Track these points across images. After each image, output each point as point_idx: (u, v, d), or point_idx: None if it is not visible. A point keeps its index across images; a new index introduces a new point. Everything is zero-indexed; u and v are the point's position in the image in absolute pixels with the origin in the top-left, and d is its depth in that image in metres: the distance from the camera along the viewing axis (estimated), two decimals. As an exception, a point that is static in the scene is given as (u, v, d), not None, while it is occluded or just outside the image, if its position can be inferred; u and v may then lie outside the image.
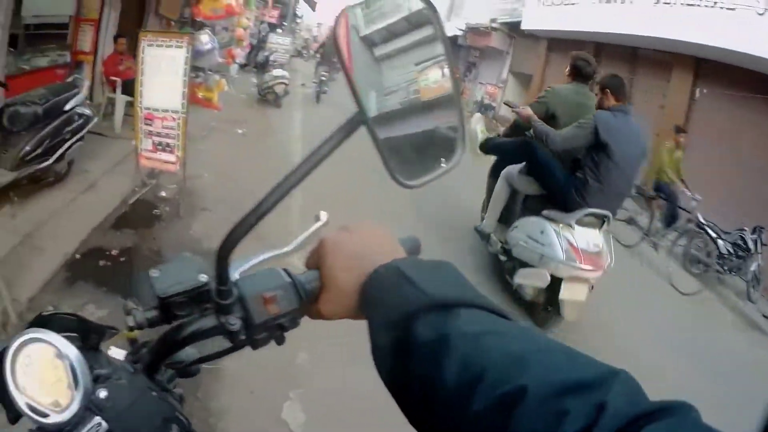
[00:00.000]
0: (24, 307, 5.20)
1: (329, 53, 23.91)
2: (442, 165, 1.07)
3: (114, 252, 6.70)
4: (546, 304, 6.84)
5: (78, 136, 8.01)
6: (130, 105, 10.34)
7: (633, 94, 17.12)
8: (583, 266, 6.37)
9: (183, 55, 7.77)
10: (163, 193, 8.72)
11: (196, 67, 15.04)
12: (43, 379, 1.14)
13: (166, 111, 7.96)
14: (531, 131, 7.18)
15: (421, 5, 1.03)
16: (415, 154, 1.08)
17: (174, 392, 1.28)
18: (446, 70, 1.05)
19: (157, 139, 8.07)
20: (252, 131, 14.79)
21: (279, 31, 31.68)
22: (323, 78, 22.02)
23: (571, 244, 6.43)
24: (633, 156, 6.72)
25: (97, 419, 1.07)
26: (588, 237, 6.56)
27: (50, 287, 5.64)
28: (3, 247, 5.55)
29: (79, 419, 1.08)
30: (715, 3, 12.94)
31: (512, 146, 7.97)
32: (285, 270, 1.13)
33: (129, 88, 10.17)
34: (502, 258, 7.72)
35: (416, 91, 1.06)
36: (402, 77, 1.06)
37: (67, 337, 1.15)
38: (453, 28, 34.96)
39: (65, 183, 8.16)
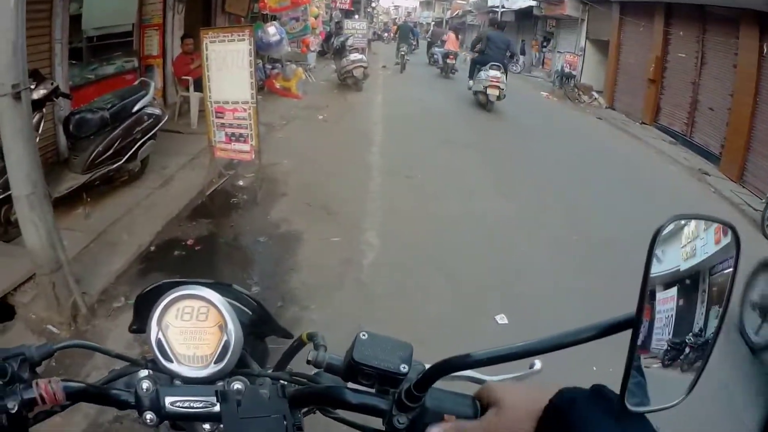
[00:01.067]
0: (95, 300, 5.31)
1: (405, 33, 30.54)
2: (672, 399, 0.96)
3: (189, 242, 6.78)
4: (485, 98, 17.67)
5: (149, 135, 8.13)
6: (204, 101, 10.48)
7: (705, 54, 16.84)
8: (492, 81, 17.22)
9: (246, 47, 7.84)
10: (241, 182, 8.81)
11: (272, 59, 15.20)
12: (189, 334, 1.28)
13: (236, 102, 8.07)
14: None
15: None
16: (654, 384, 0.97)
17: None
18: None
19: (229, 130, 8.20)
20: (332, 116, 14.85)
21: (355, 17, 31.65)
22: (403, 53, 27.51)
23: (488, 76, 17.40)
24: (501, 43, 19.01)
25: (214, 401, 1.18)
26: (493, 72, 17.37)
27: (123, 279, 5.74)
28: (75, 246, 5.65)
29: (199, 390, 1.20)
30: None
31: (475, 59, 19.60)
32: (474, 402, 1.12)
33: (201, 85, 10.32)
34: (472, 90, 19.12)
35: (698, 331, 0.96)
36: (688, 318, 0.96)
37: (238, 312, 1.34)
38: None
39: (141, 180, 8.35)
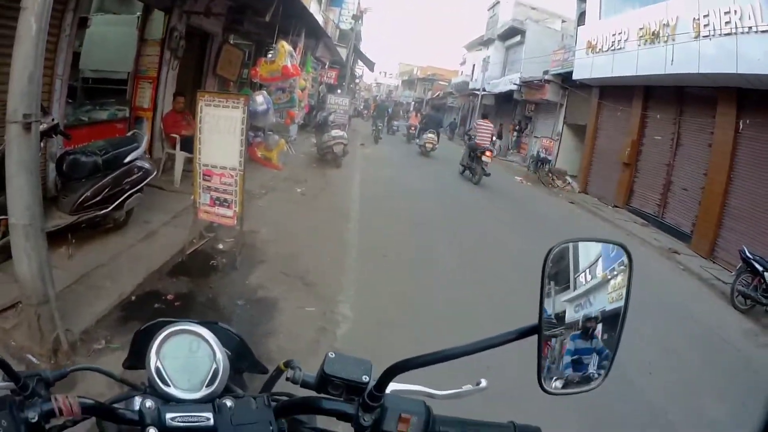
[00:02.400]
0: (77, 338, 5.43)
1: (381, 112, 37.40)
2: (590, 385, 1.36)
3: (169, 296, 6.91)
4: (424, 148, 28.74)
5: (137, 187, 8.32)
6: (188, 161, 10.75)
7: (681, 135, 17.73)
8: (427, 140, 28.78)
9: (240, 115, 8.09)
10: (221, 246, 8.96)
11: (255, 127, 15.47)
12: (183, 362, 1.54)
13: (224, 168, 8.27)
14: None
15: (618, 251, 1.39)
16: (570, 370, 1.36)
17: None
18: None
19: (215, 194, 8.37)
20: (311, 190, 15.15)
21: (338, 92, 32.30)
22: (378, 127, 33.63)
23: (426, 137, 29.08)
24: (436, 118, 33.23)
25: (209, 416, 1.39)
26: (430, 135, 28.94)
27: (105, 323, 5.87)
28: (59, 284, 5.71)
29: (194, 408, 1.42)
30: (750, 28, 13.21)
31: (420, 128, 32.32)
32: (428, 407, 1.41)
33: (188, 144, 10.65)
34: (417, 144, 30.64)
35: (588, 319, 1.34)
36: (595, 299, 1.34)
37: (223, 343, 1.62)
38: (507, 83, 36.46)
39: (124, 230, 8.50)
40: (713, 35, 14.47)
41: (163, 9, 12.09)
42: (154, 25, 12.13)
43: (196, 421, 1.38)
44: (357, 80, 56.94)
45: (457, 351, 1.31)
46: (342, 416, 1.42)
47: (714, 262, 13.93)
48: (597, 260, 1.35)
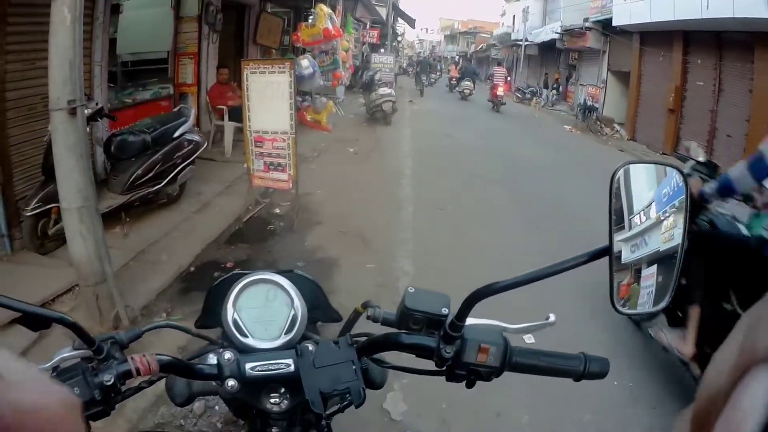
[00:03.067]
0: (137, 313, 5.45)
1: (425, 65, 40.88)
2: (656, 307, 1.33)
3: (229, 264, 6.91)
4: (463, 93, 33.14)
5: (189, 160, 8.33)
6: (238, 131, 10.72)
7: (722, 81, 17.13)
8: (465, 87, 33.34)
9: (287, 79, 8.01)
10: (277, 210, 8.96)
11: (302, 91, 15.43)
12: (260, 312, 1.54)
13: (276, 132, 8.23)
14: None
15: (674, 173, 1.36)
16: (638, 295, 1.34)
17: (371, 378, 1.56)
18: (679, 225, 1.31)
19: (268, 159, 8.35)
20: (363, 149, 15.06)
21: (381, 51, 32.02)
22: (423, 80, 36.49)
23: (463, 84, 33.79)
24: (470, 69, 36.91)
25: (290, 362, 1.39)
26: (467, 83, 33.57)
27: (164, 296, 5.89)
28: (115, 263, 5.73)
29: (274, 356, 1.41)
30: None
31: (457, 78, 37.45)
32: (505, 338, 1.38)
33: (235, 115, 10.62)
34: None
35: (657, 239, 1.31)
36: (650, 229, 1.31)
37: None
38: (549, 32, 35.81)
39: (178, 204, 8.55)
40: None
41: (197, -15, 12.01)
42: (189, 1, 12.08)
43: (276, 369, 1.38)
44: (399, 38, 56.37)
45: (531, 276, 1.26)
46: (423, 351, 1.38)
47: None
48: (651, 201, 1.33)
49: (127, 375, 1.24)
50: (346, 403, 1.37)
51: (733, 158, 15.11)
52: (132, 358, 1.26)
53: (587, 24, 28.03)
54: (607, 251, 1.25)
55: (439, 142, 17.65)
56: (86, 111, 6.47)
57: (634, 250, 1.28)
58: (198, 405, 4.18)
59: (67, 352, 1.28)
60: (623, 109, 24.91)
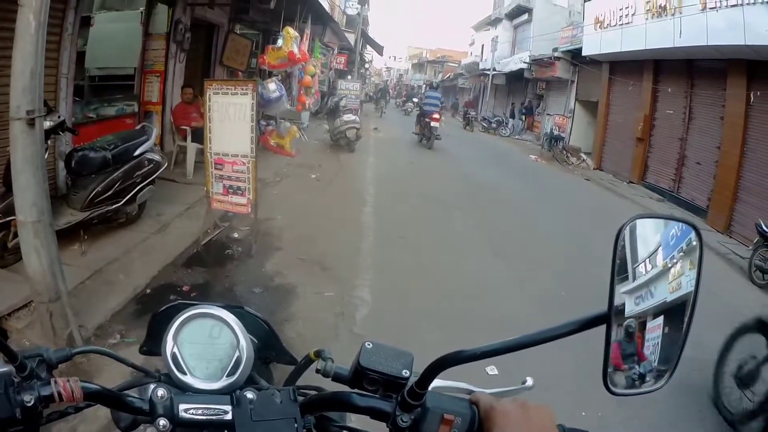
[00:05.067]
0: (91, 333, 5.35)
1: (384, 92, 46.66)
2: (657, 384, 1.17)
3: (185, 287, 6.80)
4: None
5: (149, 180, 8.21)
6: (200, 152, 10.57)
7: (693, 108, 17.41)
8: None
9: (249, 101, 7.96)
10: (236, 235, 8.87)
11: (267, 116, 15.37)
12: (202, 349, 1.41)
13: (236, 156, 8.16)
14: None
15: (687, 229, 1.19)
16: (635, 366, 1.17)
17: None
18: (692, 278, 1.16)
19: (227, 182, 8.27)
20: (325, 175, 15.01)
21: (348, 77, 32.16)
22: (381, 104, 42.06)
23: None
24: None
25: (227, 409, 1.26)
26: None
27: (119, 317, 5.77)
28: (72, 280, 5.65)
29: (211, 400, 1.28)
30: (756, 0, 12.85)
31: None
32: (473, 407, 1.21)
33: (199, 136, 10.49)
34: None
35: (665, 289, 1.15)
36: (656, 278, 1.15)
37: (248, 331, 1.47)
38: (517, 61, 35.99)
39: (137, 224, 8.40)
40: (719, 7, 14.17)
41: (167, 2, 12.03)
42: (159, 19, 12.04)
43: (212, 414, 1.25)
44: (367, 65, 57.13)
45: (512, 343, 1.12)
46: (377, 414, 1.25)
47: (731, 237, 13.72)
48: (657, 247, 1.18)
49: (50, 399, 1.15)
50: None
51: (703, 185, 15.72)
52: (55, 382, 1.16)
53: (556, 54, 28.57)
54: (604, 318, 1.10)
55: (402, 169, 17.86)
56: (48, 123, 6.43)
57: (639, 302, 1.14)
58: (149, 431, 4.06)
59: None
60: (590, 138, 25.40)
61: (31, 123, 4.66)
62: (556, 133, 27.16)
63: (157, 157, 8.49)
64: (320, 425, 1.43)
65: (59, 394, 1.14)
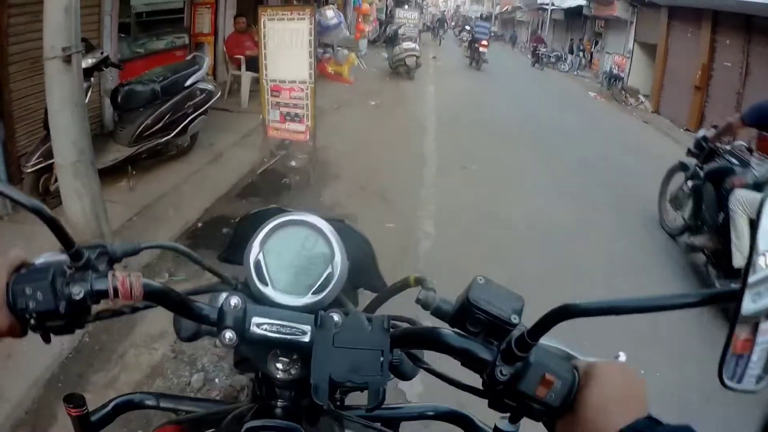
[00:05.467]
0: (137, 273, 5.04)
1: (442, 21, 45.50)
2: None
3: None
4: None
5: (201, 110, 7.88)
6: (255, 81, 10.24)
7: (750, 64, 16.59)
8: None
9: (307, 26, 7.60)
10: (293, 163, 8.47)
11: (324, 44, 14.93)
12: (291, 260, 1.25)
13: (293, 82, 7.83)
14: None
15: None
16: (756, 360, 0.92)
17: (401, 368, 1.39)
18: None
19: (285, 110, 7.95)
20: (384, 103, 14.50)
21: (406, 6, 31.47)
22: (439, 33, 41.74)
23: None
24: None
25: (307, 330, 1.10)
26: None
27: (166, 255, 5.42)
28: (118, 219, 5.44)
29: (290, 317, 1.11)
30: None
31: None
32: (575, 374, 1.02)
33: (253, 65, 10.14)
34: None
35: None
36: None
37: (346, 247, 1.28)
38: None
39: (189, 156, 8.14)
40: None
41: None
42: (207, -52, 11.58)
43: (288, 333, 1.10)
44: None
45: (636, 303, 0.91)
46: (474, 361, 1.05)
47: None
48: None
49: (103, 294, 1.01)
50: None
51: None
52: (113, 275, 1.02)
53: None
54: (734, 295, 0.86)
55: (463, 100, 17.06)
56: (90, 61, 6.12)
57: (757, 299, 0.87)
58: (196, 378, 3.90)
59: (53, 254, 1.06)
60: (649, 81, 24.19)
61: (67, 60, 4.34)
62: (615, 72, 26.28)
63: (209, 86, 8.16)
64: (408, 361, 1.35)
65: (115, 289, 1.01)
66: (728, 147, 7.21)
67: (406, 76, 18.95)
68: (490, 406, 1.07)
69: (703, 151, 7.27)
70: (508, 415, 1.09)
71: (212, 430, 1.26)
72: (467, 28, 35.13)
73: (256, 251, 1.22)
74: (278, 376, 1.20)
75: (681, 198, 7.39)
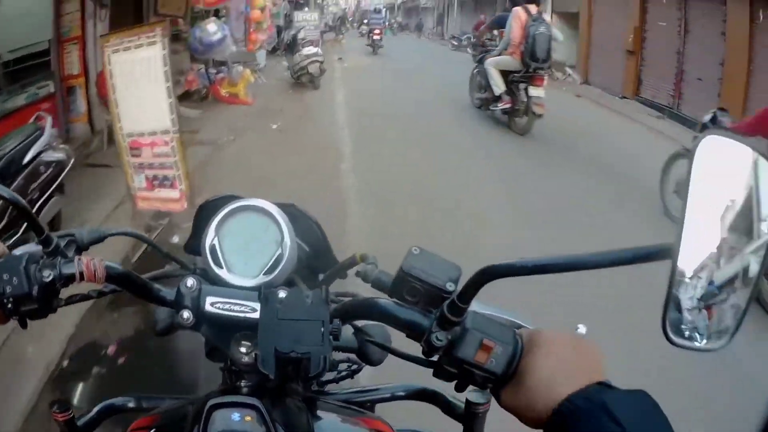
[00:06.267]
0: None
1: (342, 19, 41.45)
2: (717, 342, 0.96)
3: (111, 349, 4.80)
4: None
5: (52, 189, 6.03)
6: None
7: (689, 22, 16.08)
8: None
9: (159, 53, 5.96)
10: (176, 239, 6.26)
11: (217, 62, 13.48)
12: (244, 244, 1.29)
13: (154, 134, 6.22)
14: None
15: None
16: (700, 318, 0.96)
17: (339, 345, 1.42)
18: None
19: (150, 172, 6.42)
20: (289, 123, 12.91)
21: (306, 9, 30.54)
22: (341, 30, 37.63)
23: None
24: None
25: (256, 307, 1.15)
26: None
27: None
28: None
29: (241, 295, 1.17)
30: None
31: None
32: (517, 339, 1.05)
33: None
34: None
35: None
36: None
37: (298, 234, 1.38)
38: None
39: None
40: None
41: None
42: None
43: (238, 312, 1.15)
44: None
45: (566, 260, 0.92)
46: (413, 329, 1.08)
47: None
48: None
49: (71, 278, 1.08)
50: (343, 373, 1.40)
51: (706, 102, 14.06)
52: (79, 260, 1.09)
53: None
54: (667, 252, 0.85)
55: (379, 105, 15.37)
56: None
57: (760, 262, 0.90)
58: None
59: (30, 246, 1.14)
60: (573, 52, 23.51)
61: None
62: None
63: (58, 155, 6.22)
64: (358, 339, 1.46)
65: (81, 273, 1.08)
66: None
67: (310, 86, 17.42)
68: (435, 375, 1.09)
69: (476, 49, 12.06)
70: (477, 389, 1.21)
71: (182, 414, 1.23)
72: (365, 21, 39.33)
73: (212, 236, 1.27)
74: (243, 360, 1.16)
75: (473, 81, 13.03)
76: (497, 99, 11.94)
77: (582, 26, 22.37)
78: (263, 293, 1.13)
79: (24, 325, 1.09)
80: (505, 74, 11.85)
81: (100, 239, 1.28)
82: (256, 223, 1.29)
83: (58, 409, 1.31)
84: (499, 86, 11.72)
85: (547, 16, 24.52)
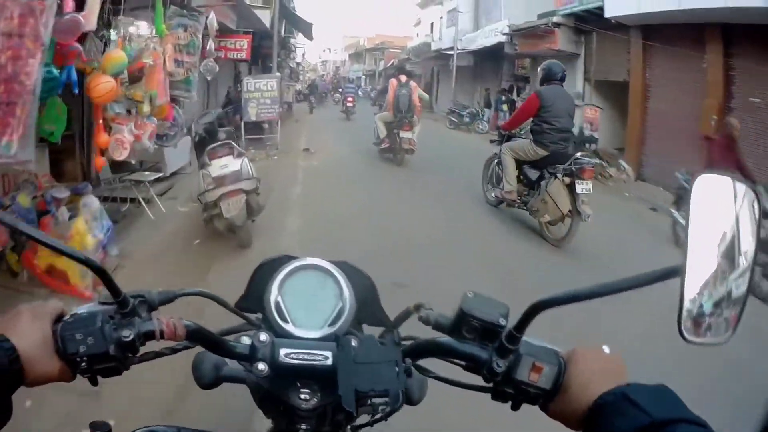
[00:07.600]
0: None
1: (312, 87, 42.84)
2: (723, 336, 1.07)
3: None
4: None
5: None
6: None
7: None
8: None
9: None
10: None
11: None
12: (305, 300, 1.37)
13: None
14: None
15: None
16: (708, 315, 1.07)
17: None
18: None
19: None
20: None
21: (260, 75, 19.55)
22: (312, 101, 36.81)
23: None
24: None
25: (328, 355, 1.24)
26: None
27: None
28: None
29: (312, 345, 1.26)
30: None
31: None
32: (561, 360, 1.18)
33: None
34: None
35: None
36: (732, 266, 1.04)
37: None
38: (490, 34, 28.61)
39: None
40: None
41: None
42: None
43: (312, 360, 1.25)
44: (298, 59, 52.01)
45: (595, 290, 1.06)
46: (473, 362, 1.20)
47: None
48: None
49: (150, 336, 1.15)
50: (379, 414, 1.26)
51: None
52: (158, 319, 1.17)
53: (555, 19, 20.73)
54: (676, 272, 0.99)
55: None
56: None
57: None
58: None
59: (93, 305, 1.16)
60: (616, 135, 18.86)
61: None
62: (587, 133, 17.83)
63: None
64: (418, 372, 1.47)
65: (161, 331, 1.15)
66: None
67: (235, 241, 7.92)
68: (493, 398, 1.22)
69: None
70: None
71: None
72: (340, 90, 41.00)
73: (275, 294, 1.36)
74: (302, 406, 1.27)
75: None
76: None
77: (633, 101, 17.44)
78: (339, 341, 1.23)
79: (95, 383, 1.11)
80: None
81: (170, 299, 1.26)
82: (315, 280, 1.39)
83: (96, 430, 1.24)
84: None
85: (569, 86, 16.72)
